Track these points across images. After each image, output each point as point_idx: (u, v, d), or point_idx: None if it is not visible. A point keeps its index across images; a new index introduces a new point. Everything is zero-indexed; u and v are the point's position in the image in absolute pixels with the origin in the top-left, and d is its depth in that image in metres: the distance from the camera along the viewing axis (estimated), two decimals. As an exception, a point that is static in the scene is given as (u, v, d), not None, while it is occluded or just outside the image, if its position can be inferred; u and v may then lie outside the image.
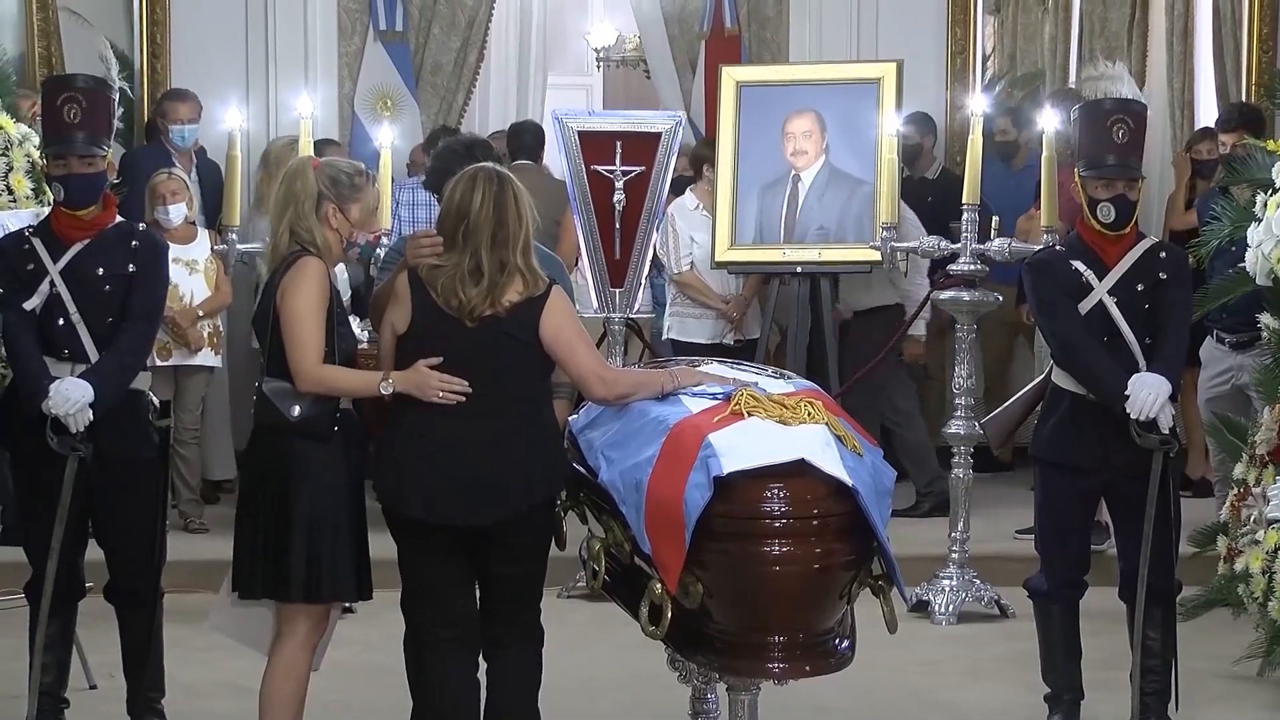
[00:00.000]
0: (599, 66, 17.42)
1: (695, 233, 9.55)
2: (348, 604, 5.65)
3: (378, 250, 7.62)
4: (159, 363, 8.45)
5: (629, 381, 5.25)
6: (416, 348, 5.15)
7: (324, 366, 5.20)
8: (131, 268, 5.79)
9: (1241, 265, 7.20)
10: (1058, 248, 6.25)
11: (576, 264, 8.91)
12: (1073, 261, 6.02)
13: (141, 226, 6.12)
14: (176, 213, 8.78)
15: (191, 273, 8.90)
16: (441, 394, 5.08)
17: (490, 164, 5.32)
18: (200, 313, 8.98)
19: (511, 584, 5.27)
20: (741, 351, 9.15)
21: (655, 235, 8.74)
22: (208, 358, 9.12)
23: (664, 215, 9.01)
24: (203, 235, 9.02)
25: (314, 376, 5.18)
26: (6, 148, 7.51)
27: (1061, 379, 6.10)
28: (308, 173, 5.33)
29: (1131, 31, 11.28)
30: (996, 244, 7.75)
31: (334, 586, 5.27)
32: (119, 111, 5.99)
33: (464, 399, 5.08)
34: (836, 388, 8.84)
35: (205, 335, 9.06)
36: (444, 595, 5.24)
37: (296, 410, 5.18)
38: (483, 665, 5.31)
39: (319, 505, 5.20)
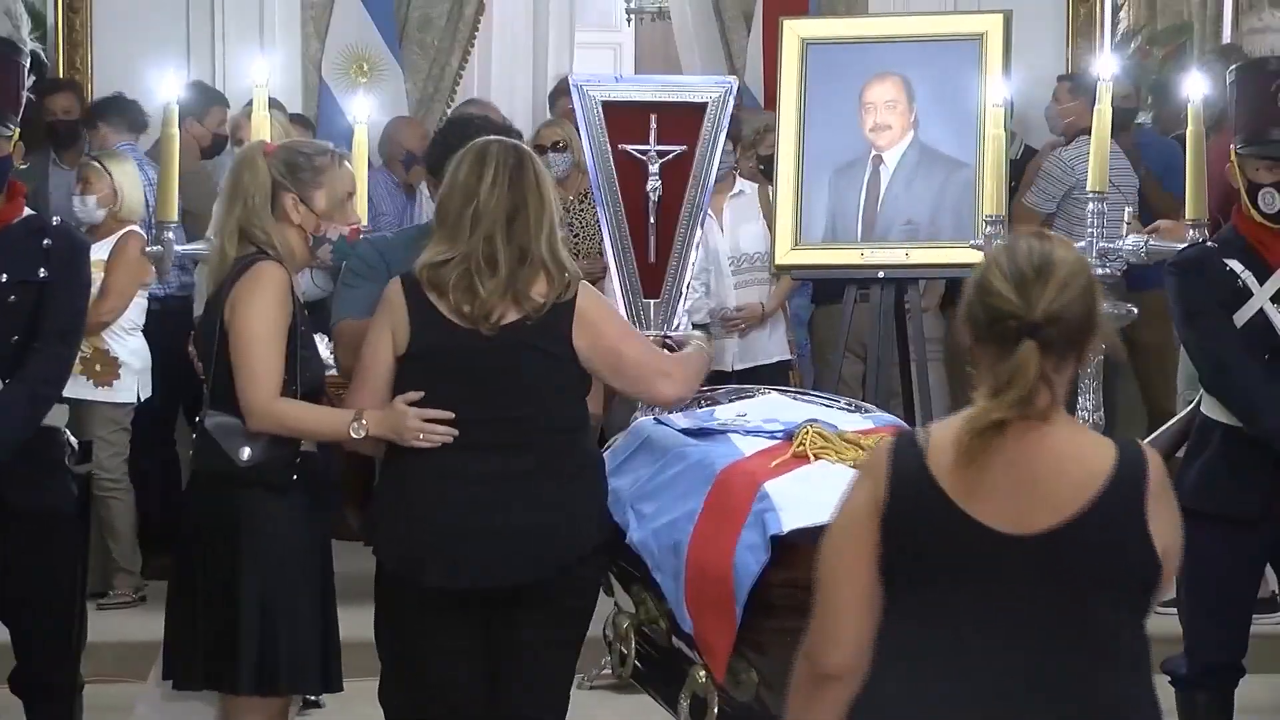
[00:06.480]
0: (629, 20, 17.43)
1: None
2: (312, 697, 5.66)
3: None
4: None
5: (694, 368, 5.41)
6: (425, 370, 5.16)
7: (282, 401, 5.22)
8: (43, 273, 5.80)
9: None
10: (1209, 244, 6.24)
11: None
12: (1227, 261, 6.02)
13: (56, 220, 6.14)
14: (90, 205, 8.80)
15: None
16: (423, 435, 5.12)
17: (506, 138, 5.37)
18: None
19: (538, 664, 5.24)
20: (755, 378, 9.15)
21: (699, 232, 8.74)
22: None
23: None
24: (122, 233, 8.86)
25: (270, 413, 5.20)
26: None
27: (1212, 409, 6.09)
28: (257, 161, 5.37)
29: (1305, -28, 11.26)
30: (1130, 241, 7.64)
31: (293, 675, 5.28)
32: (30, 81, 6.01)
33: (453, 437, 5.11)
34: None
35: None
36: (453, 686, 5.24)
37: (246, 453, 5.21)
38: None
39: (274, 573, 5.22)
